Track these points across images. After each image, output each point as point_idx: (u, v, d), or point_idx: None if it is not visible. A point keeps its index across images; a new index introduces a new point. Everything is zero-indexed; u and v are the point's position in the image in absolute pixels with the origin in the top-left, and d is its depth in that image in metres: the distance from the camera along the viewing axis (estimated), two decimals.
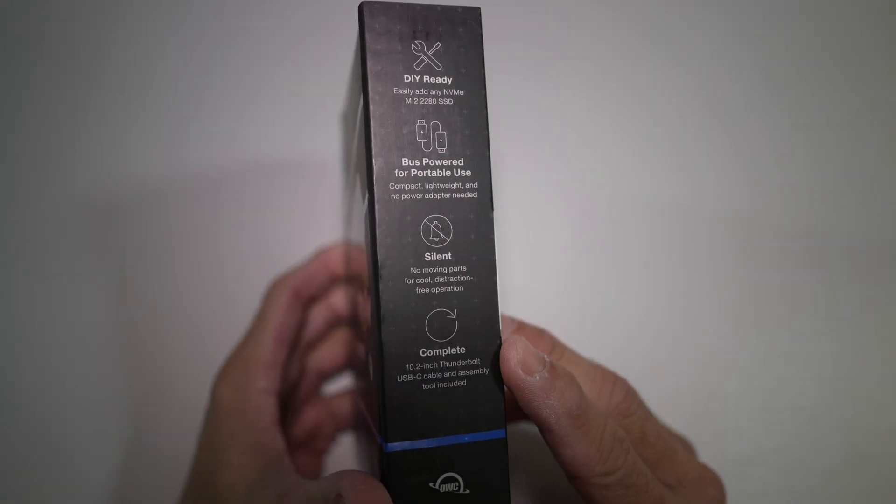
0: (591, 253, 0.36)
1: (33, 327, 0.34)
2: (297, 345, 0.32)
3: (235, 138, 0.35)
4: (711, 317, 0.36)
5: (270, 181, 0.35)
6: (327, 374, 0.34)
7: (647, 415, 0.25)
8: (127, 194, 0.34)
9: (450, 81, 0.21)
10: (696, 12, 0.37)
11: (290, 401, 0.32)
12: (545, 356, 0.21)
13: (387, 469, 0.20)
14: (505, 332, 0.23)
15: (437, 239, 0.21)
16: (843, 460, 0.36)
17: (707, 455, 0.35)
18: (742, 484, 0.35)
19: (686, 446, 0.27)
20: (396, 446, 0.20)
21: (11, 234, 0.34)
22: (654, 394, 0.35)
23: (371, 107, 0.20)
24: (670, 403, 0.35)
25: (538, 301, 0.36)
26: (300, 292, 0.31)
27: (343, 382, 0.35)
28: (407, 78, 0.21)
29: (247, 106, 0.35)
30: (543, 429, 0.21)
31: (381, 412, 0.20)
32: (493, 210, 0.21)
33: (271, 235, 0.35)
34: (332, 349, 0.33)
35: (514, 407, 0.29)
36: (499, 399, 0.21)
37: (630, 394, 0.24)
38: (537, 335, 0.24)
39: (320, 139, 0.35)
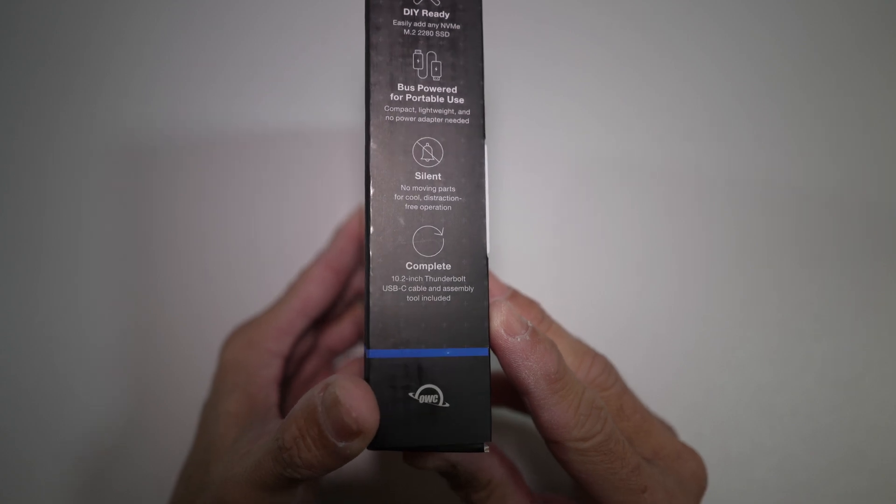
0: (589, 253, 0.36)
1: (34, 322, 0.34)
2: (321, 322, 0.33)
3: (257, 109, 0.36)
4: (710, 315, 0.36)
5: (290, 152, 0.36)
6: (338, 351, 0.35)
7: (625, 389, 0.25)
8: (140, 167, 0.35)
9: (447, 16, 0.22)
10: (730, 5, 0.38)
11: (299, 372, 0.33)
12: (528, 322, 0.21)
13: (368, 375, 0.21)
14: (497, 297, 0.23)
15: (427, 160, 0.22)
16: (842, 459, 0.35)
17: (706, 453, 0.34)
18: (741, 483, 0.35)
19: (665, 425, 0.27)
20: (378, 353, 0.21)
21: (14, 227, 0.35)
22: (654, 392, 0.35)
23: (371, 38, 0.22)
24: (669, 402, 0.36)
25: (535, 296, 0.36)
26: (333, 265, 0.31)
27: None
28: (406, 11, 0.22)
29: (270, 74, 0.36)
30: (522, 392, 0.21)
31: (366, 321, 0.21)
32: (484, 137, 0.22)
33: (287, 210, 0.36)
34: (345, 327, 0.34)
35: (499, 390, 0.29)
36: (483, 318, 0.21)
37: (608, 368, 0.25)
38: (528, 305, 0.24)
39: (344, 107, 0.36)
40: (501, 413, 0.32)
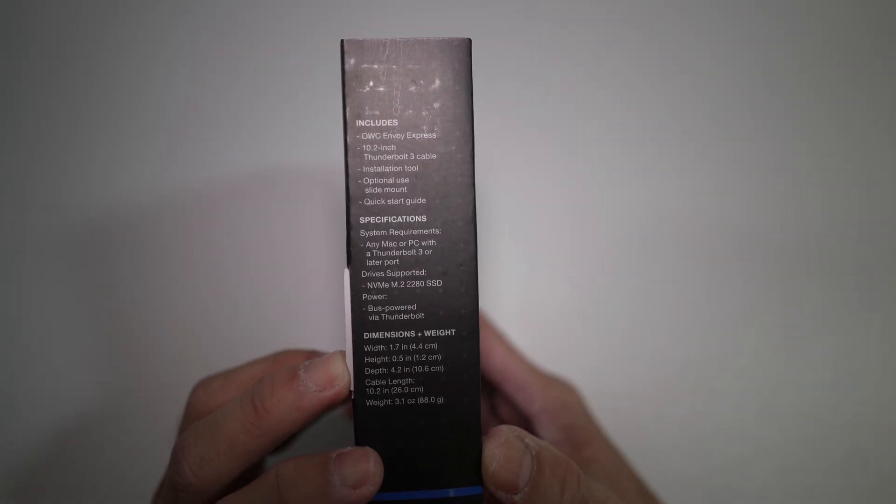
0: (590, 255, 0.36)
1: (29, 332, 0.34)
2: None
3: (235, 142, 0.35)
4: (711, 317, 0.36)
5: (270, 184, 0.35)
6: None
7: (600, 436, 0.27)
8: (125, 197, 0.35)
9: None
10: (696, 16, 0.37)
11: None
12: (532, 449, 0.21)
13: None
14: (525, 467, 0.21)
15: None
16: (843, 460, 0.35)
17: (708, 455, 0.36)
18: (742, 484, 0.35)
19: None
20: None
21: (8, 237, 0.34)
22: (654, 394, 0.36)
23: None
24: (670, 403, 0.36)
25: (537, 302, 0.36)
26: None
27: None
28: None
29: (246, 110, 0.35)
30: None
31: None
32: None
33: (270, 238, 0.35)
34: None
35: None
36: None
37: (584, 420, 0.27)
38: (565, 468, 0.22)
39: (321, 140, 0.35)
40: None
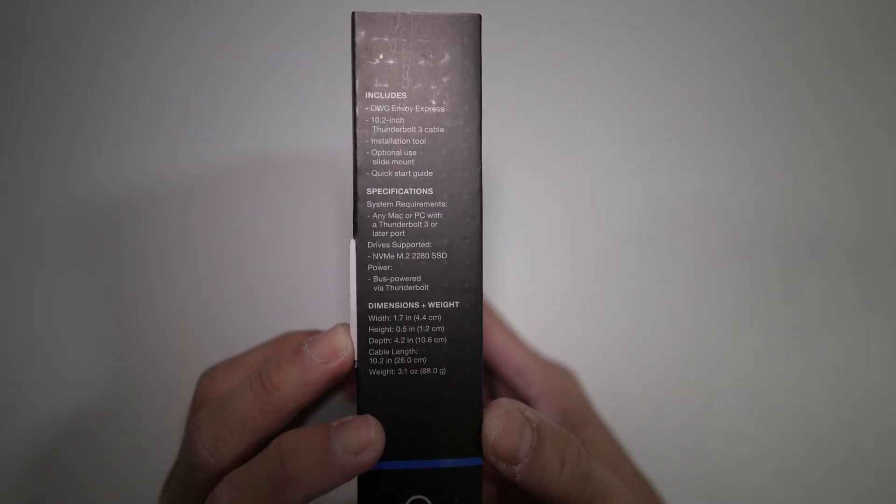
0: (588, 254, 0.36)
1: (29, 329, 0.34)
2: None
3: (235, 136, 0.35)
4: (711, 316, 0.36)
5: (270, 179, 0.35)
6: None
7: (598, 424, 0.28)
8: (124, 193, 0.35)
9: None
10: (696, 16, 0.37)
11: None
12: (532, 421, 0.21)
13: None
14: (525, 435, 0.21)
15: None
16: (843, 460, 0.35)
17: (708, 455, 0.35)
18: (742, 484, 0.35)
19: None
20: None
21: (8, 234, 0.34)
22: (654, 393, 0.36)
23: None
24: (670, 403, 0.36)
25: (538, 302, 0.36)
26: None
27: None
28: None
29: (246, 103, 0.36)
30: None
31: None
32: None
33: (271, 235, 0.35)
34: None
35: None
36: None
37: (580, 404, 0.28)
38: (566, 441, 0.22)
39: (322, 135, 0.36)
40: None
